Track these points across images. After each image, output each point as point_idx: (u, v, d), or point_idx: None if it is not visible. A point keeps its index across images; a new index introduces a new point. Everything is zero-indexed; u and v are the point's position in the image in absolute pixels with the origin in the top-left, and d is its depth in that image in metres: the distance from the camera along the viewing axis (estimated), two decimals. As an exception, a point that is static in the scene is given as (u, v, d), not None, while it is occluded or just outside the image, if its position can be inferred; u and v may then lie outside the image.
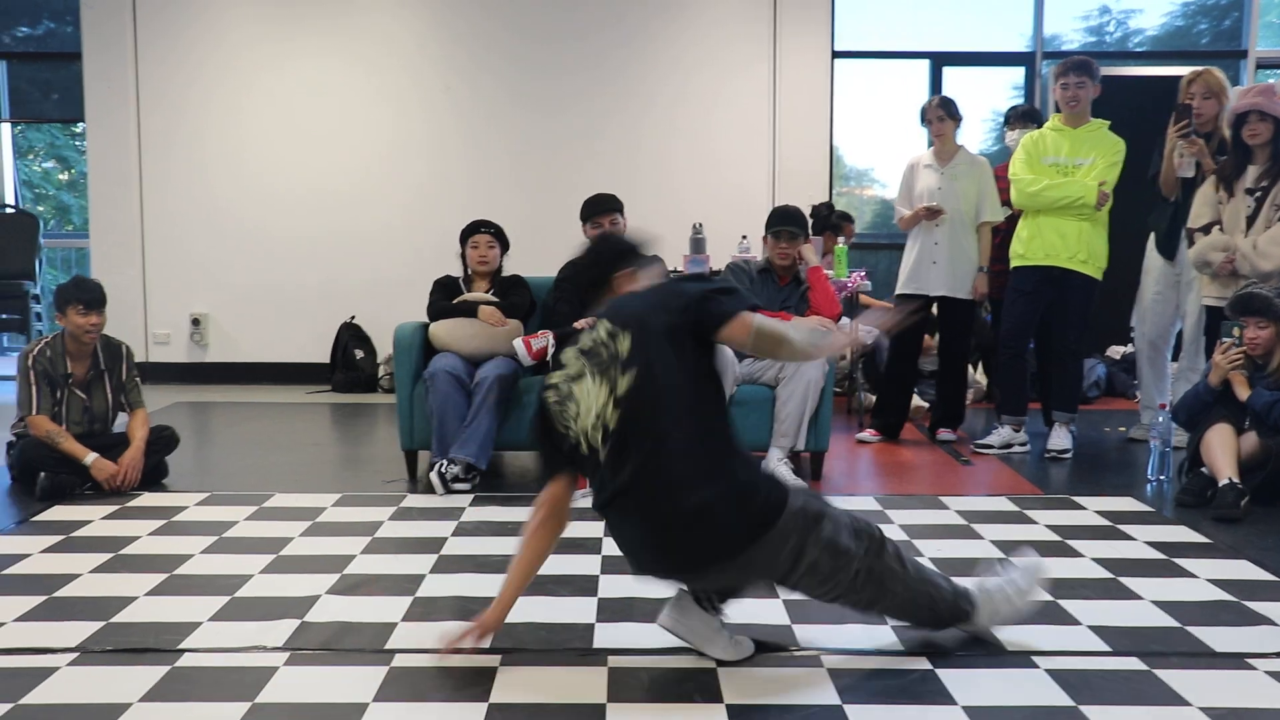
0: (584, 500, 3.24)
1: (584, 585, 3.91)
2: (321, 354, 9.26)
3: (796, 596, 3.74)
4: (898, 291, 6.86)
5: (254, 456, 6.32)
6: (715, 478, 2.95)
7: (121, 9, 9.08)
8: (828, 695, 2.98)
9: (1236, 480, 5.05)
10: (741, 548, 2.95)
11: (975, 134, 9.49)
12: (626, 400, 3.01)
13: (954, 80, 9.51)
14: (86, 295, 5.28)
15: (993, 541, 4.51)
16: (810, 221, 7.01)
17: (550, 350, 5.56)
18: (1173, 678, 3.12)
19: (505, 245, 6.09)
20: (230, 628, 3.47)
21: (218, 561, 4.18)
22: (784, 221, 5.95)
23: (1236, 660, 3.28)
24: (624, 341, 3.07)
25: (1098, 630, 3.51)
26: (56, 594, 3.78)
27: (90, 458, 5.22)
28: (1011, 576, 3.42)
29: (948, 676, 3.12)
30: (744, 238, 7.90)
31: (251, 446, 6.62)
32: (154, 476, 5.48)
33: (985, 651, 3.29)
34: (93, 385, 5.42)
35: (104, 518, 4.82)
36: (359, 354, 9.15)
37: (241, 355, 9.38)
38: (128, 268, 9.21)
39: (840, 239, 8.06)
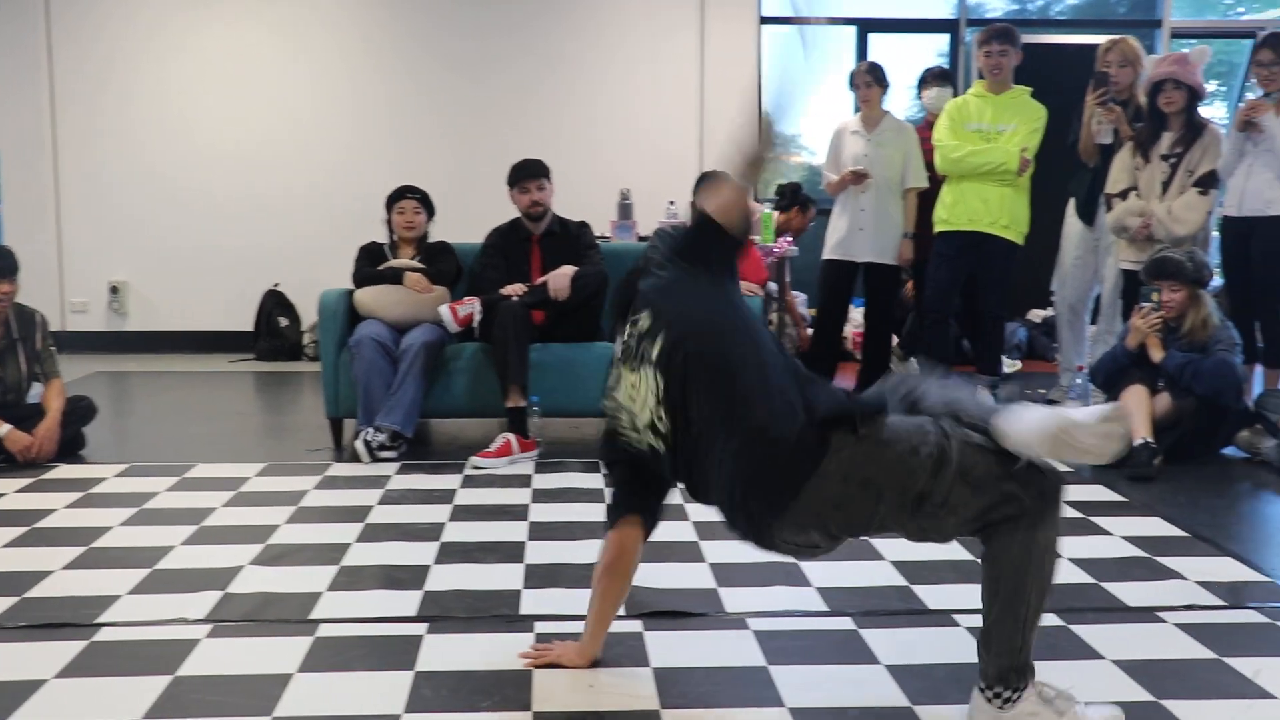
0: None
1: (511, 552, 3.91)
2: (245, 322, 9.14)
3: (724, 559, 3.78)
4: (825, 257, 6.89)
5: (175, 427, 6.25)
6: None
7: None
8: (754, 657, 3.01)
9: (1150, 440, 5.14)
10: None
11: (901, 101, 9.51)
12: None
13: (880, 47, 9.54)
14: None
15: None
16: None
17: (477, 317, 5.54)
18: (1087, 632, 3.19)
19: (431, 211, 6.05)
20: (150, 601, 3.43)
21: (137, 534, 4.13)
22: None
23: (1148, 614, 3.36)
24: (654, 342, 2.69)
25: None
26: (-30, 567, 3.74)
27: (3, 429, 5.13)
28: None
29: (870, 636, 3.16)
30: (671, 203, 7.92)
31: (173, 416, 6.55)
32: (71, 448, 5.40)
33: (908, 611, 3.33)
34: (5, 355, 5.31)
35: (19, 490, 4.74)
36: (283, 321, 9.05)
37: (162, 324, 9.24)
38: (41, 233, 9.01)
39: (807, 216, 8.11)
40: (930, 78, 7.45)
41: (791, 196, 7.98)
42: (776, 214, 7.83)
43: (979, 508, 2.41)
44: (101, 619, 3.27)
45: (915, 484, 2.37)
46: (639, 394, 2.69)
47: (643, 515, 2.86)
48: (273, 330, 9.02)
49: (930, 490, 2.37)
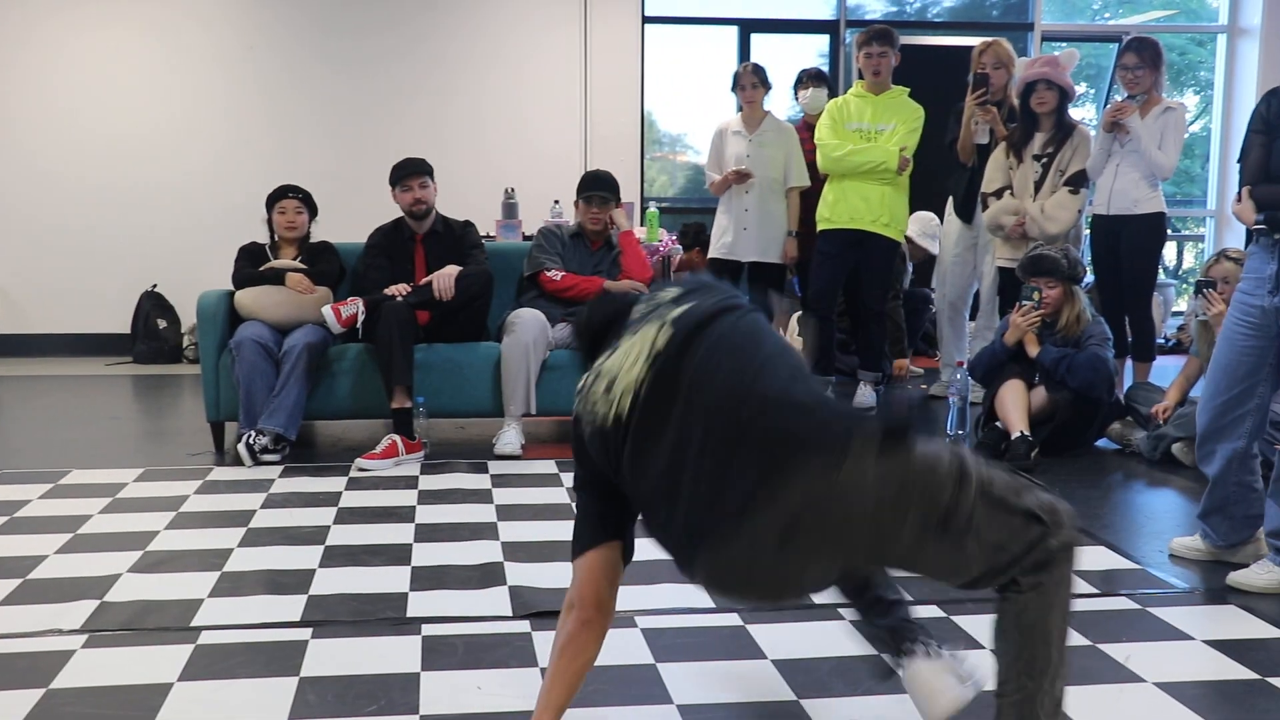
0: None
1: (397, 554, 3.87)
2: (122, 324, 8.97)
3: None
4: (710, 255, 6.92)
5: (48, 432, 6.09)
6: None
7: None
8: (642, 655, 3.01)
9: (1027, 433, 5.23)
10: None
11: (782, 101, 9.58)
12: None
13: (761, 47, 9.62)
14: None
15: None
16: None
17: (360, 317, 5.48)
18: (967, 622, 3.24)
19: (313, 211, 5.97)
20: (23, 611, 3.34)
21: (9, 543, 4.01)
22: (595, 186, 5.95)
23: (1029, 605, 3.41)
24: None
25: (902, 580, 3.60)
26: None
27: None
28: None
29: (757, 631, 3.18)
30: (556, 202, 7.89)
31: (45, 422, 6.38)
32: (-57, 454, 5.26)
33: (793, 607, 3.35)
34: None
35: (-111, 498, 4.62)
36: (161, 323, 8.90)
37: (34, 326, 9.02)
38: (-89, 236, 8.81)
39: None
40: (807, 79, 7.50)
41: (694, 237, 8.00)
42: (679, 254, 7.84)
43: (1001, 531, 2.12)
44: (-29, 631, 3.19)
45: (942, 497, 2.07)
46: (634, 351, 2.27)
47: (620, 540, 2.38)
48: (151, 332, 8.87)
49: (956, 505, 2.08)
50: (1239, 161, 3.76)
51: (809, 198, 6.75)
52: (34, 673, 2.90)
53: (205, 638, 3.12)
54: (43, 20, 8.82)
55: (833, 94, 7.11)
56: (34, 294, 8.99)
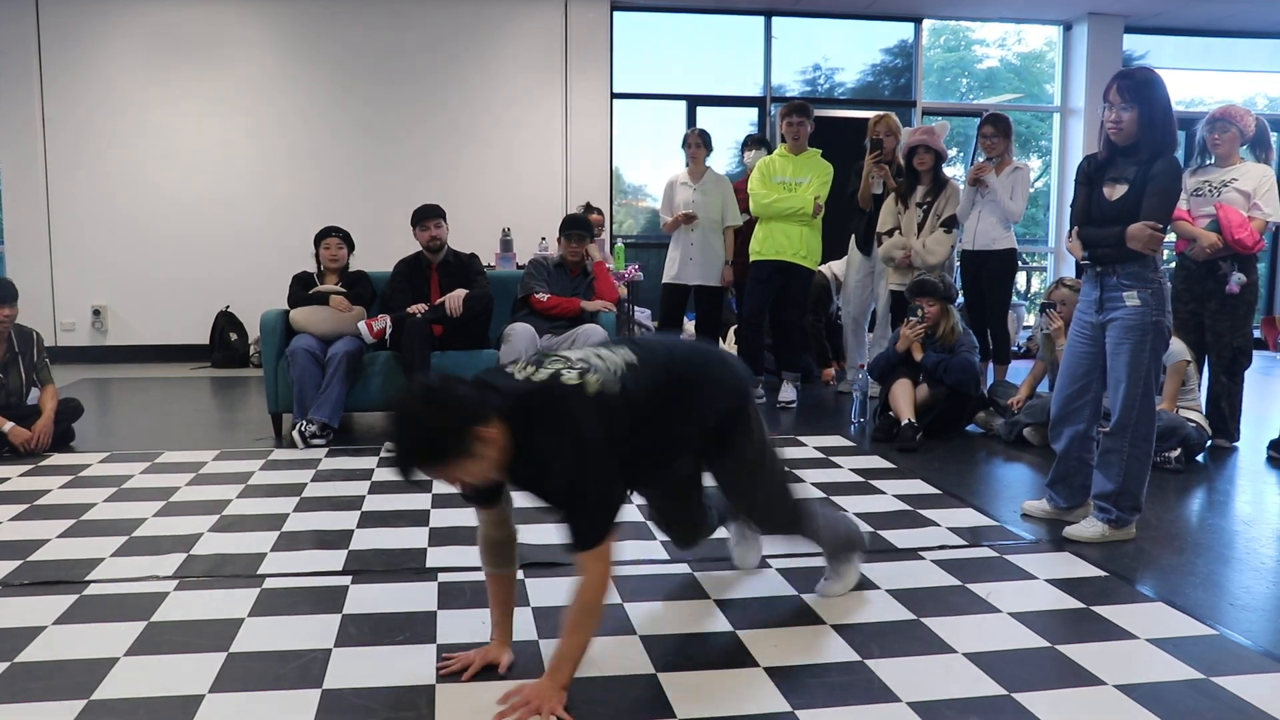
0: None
1: (418, 518, 3.86)
2: (202, 337, 8.90)
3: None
4: (664, 281, 6.92)
5: (147, 421, 6.04)
6: None
7: (28, 53, 8.55)
8: (613, 597, 3.00)
9: (914, 420, 5.27)
10: None
11: (721, 159, 9.61)
12: None
13: (705, 116, 9.63)
14: (0, 292, 4.99)
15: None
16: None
17: (388, 330, 5.48)
18: (868, 569, 3.25)
19: (351, 246, 5.95)
20: (129, 562, 3.33)
21: (117, 508, 4.00)
22: (574, 226, 5.95)
23: (911, 554, 3.45)
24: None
25: (813, 537, 3.63)
26: (-23, 539, 3.59)
27: (7, 426, 4.93)
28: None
29: (704, 578, 3.19)
30: (543, 239, 7.89)
31: (144, 414, 6.33)
32: (63, 440, 5.19)
33: (727, 557, 3.37)
34: (9, 366, 5.10)
35: (21, 475, 4.56)
36: (233, 336, 8.84)
37: (135, 339, 8.95)
38: (37, 267, 8.70)
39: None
40: (751, 142, 7.53)
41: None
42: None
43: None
44: (89, 577, 3.18)
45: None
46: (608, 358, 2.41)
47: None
48: (224, 343, 8.81)
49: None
50: (1071, 207, 3.81)
51: (743, 234, 6.78)
52: (138, 609, 2.90)
53: (268, 583, 3.12)
54: (133, 95, 8.74)
55: (770, 153, 7.14)
56: (134, 313, 8.90)
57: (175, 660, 2.55)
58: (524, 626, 2.76)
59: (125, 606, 2.92)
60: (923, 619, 2.84)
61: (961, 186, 6.32)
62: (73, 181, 8.74)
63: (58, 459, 4.91)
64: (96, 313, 8.86)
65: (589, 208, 7.84)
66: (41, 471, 4.64)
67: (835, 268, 7.61)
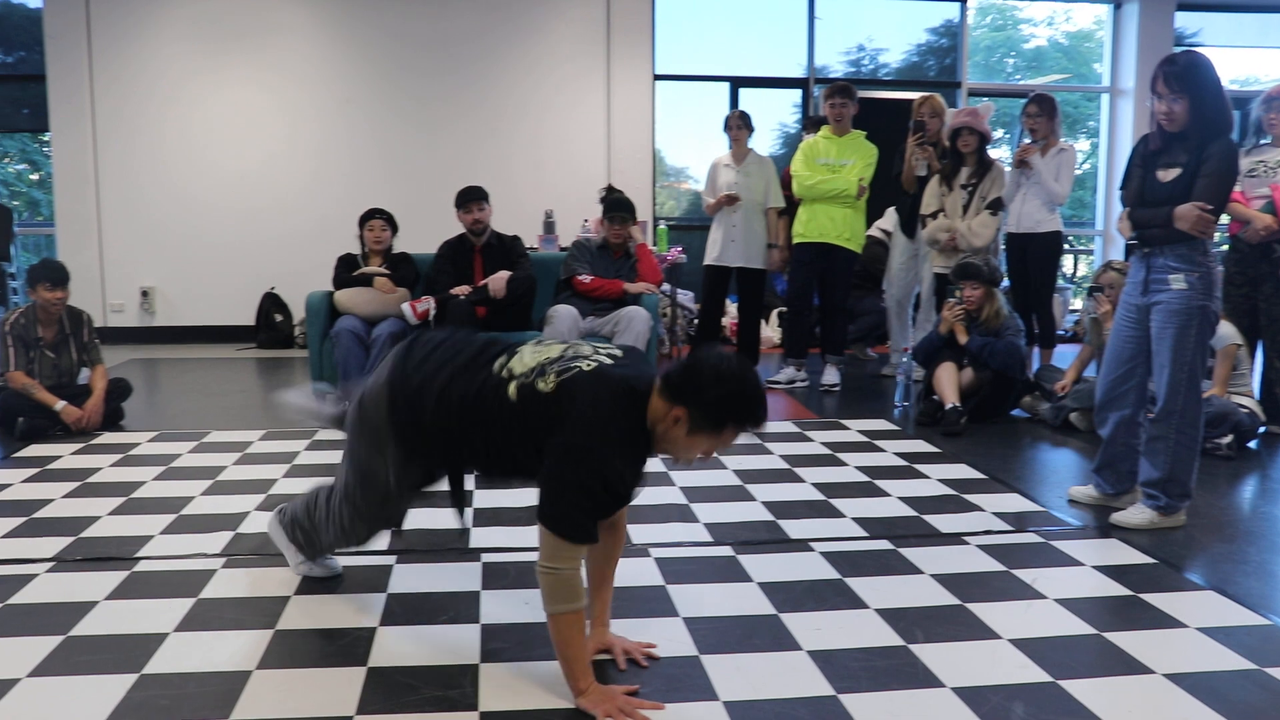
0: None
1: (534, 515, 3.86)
2: (248, 318, 8.98)
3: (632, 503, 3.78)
4: (705, 263, 6.90)
5: (194, 401, 6.11)
6: None
7: (78, 42, 8.63)
8: (655, 578, 3.02)
9: (958, 404, 5.22)
10: None
11: (764, 140, 9.57)
12: None
13: (747, 98, 9.57)
14: (52, 275, 5.08)
15: (781, 455, 4.60)
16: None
17: (432, 312, 5.50)
18: (912, 554, 3.23)
19: (395, 228, 5.98)
20: (178, 539, 3.37)
21: (166, 486, 4.05)
22: (617, 209, 5.94)
23: (956, 538, 3.41)
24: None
25: (859, 520, 3.61)
26: (35, 515, 3.64)
27: (59, 405, 5.01)
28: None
29: (746, 560, 3.18)
30: (586, 221, 7.88)
31: (192, 393, 6.40)
32: (113, 419, 5.27)
33: (774, 540, 3.36)
34: (60, 346, 5.19)
35: (73, 453, 4.63)
36: (278, 317, 8.91)
37: (183, 320, 9.04)
38: (87, 250, 8.82)
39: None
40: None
41: None
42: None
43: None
44: (139, 554, 3.22)
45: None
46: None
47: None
48: (270, 324, 8.88)
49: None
50: (1121, 189, 3.74)
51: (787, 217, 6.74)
52: (187, 585, 2.94)
53: (314, 563, 3.14)
54: (181, 81, 8.80)
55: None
56: (182, 295, 9.00)
57: (223, 636, 2.58)
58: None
59: (174, 583, 2.96)
60: (967, 604, 2.81)
61: (1007, 169, 6.25)
62: (121, 166, 8.84)
63: (108, 438, 4.97)
64: (145, 294, 8.96)
65: (611, 190, 7.85)
66: (92, 450, 4.70)
67: (884, 224, 7.51)
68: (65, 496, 3.89)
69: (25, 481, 4.12)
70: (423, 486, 2.67)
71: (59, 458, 4.54)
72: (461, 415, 2.36)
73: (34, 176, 11.23)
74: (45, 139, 9.73)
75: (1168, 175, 3.51)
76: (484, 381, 2.34)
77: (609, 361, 2.31)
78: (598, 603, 2.52)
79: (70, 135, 8.76)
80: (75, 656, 2.45)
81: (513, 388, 2.29)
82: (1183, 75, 3.39)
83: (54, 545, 3.29)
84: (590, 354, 2.33)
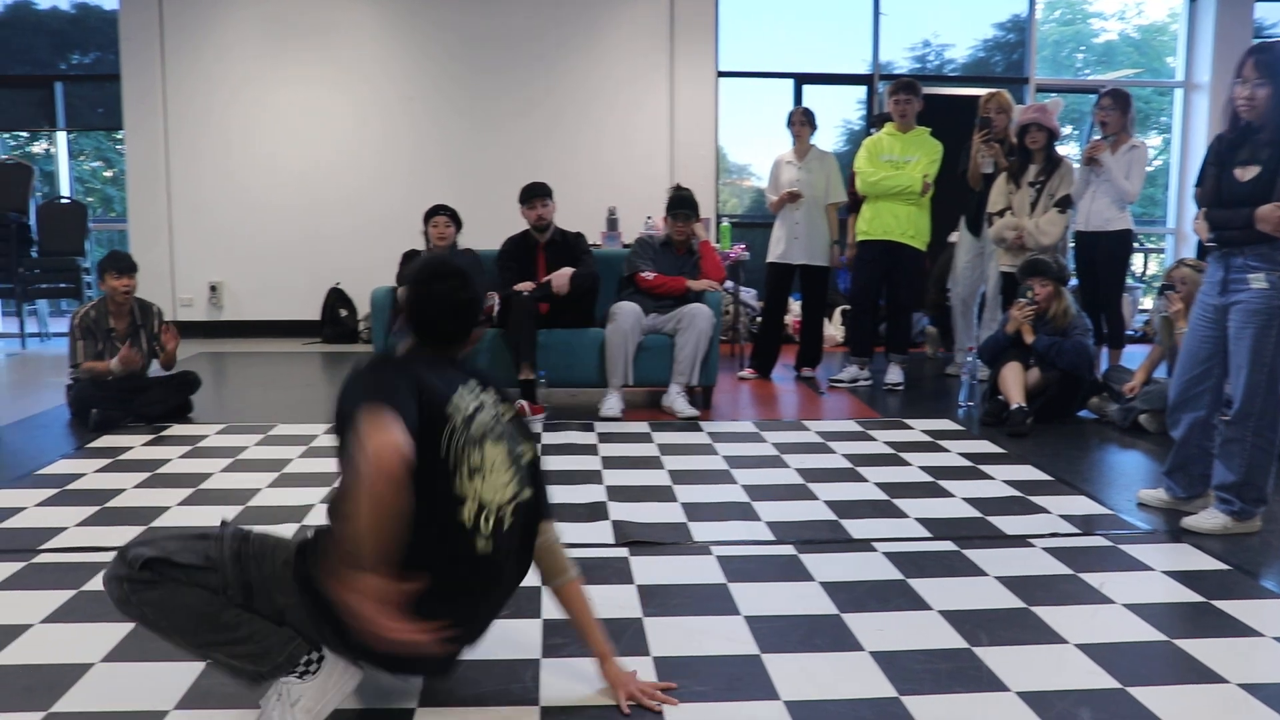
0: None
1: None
2: (314, 313, 9.10)
3: (692, 499, 3.77)
4: (768, 260, 6.86)
5: (261, 395, 6.21)
6: None
7: (151, 41, 8.82)
8: (717, 576, 3.00)
9: (1024, 405, 5.14)
10: None
11: (827, 136, 9.50)
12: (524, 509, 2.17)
13: (811, 94, 9.50)
14: (119, 264, 5.22)
15: (844, 455, 4.57)
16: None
17: (495, 309, 5.52)
18: (976, 556, 3.19)
19: (459, 224, 6.01)
20: (245, 531, 3.42)
21: (233, 478, 4.12)
22: (681, 205, 5.92)
23: (1022, 541, 3.36)
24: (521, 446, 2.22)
25: (922, 521, 3.57)
26: (107, 505, 3.72)
27: (112, 362, 5.17)
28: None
29: (808, 560, 3.15)
30: (649, 218, 7.88)
31: (259, 387, 6.51)
32: (181, 412, 5.37)
33: (837, 540, 3.33)
34: (131, 337, 5.30)
35: (143, 444, 4.72)
36: (343, 313, 9.03)
37: (250, 315, 9.20)
38: (158, 245, 9.01)
39: None
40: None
41: None
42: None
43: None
44: (205, 546, 3.26)
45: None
46: (498, 468, 2.10)
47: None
48: (335, 319, 9.00)
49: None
50: (1196, 187, 3.66)
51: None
52: (250, 580, 2.96)
53: (379, 556, 3.16)
54: (249, 79, 8.94)
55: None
56: (248, 290, 9.16)
57: (291, 628, 2.61)
58: (629, 603, 2.76)
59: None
60: (1032, 607, 2.77)
61: (1076, 165, 6.14)
62: (192, 163, 9.01)
63: (177, 429, 5.07)
64: (213, 289, 9.12)
65: (678, 188, 7.86)
66: (162, 442, 4.79)
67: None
68: (136, 487, 3.98)
69: (98, 471, 4.22)
70: None
71: (130, 449, 4.63)
72: None
73: (108, 174, 11.49)
74: (119, 137, 9.94)
75: (1246, 174, 3.42)
76: None
77: None
78: (591, 643, 2.28)
79: (143, 133, 8.94)
80: (146, 644, 2.49)
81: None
82: (1273, 64, 3.31)
83: (125, 534, 3.35)
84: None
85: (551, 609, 2.71)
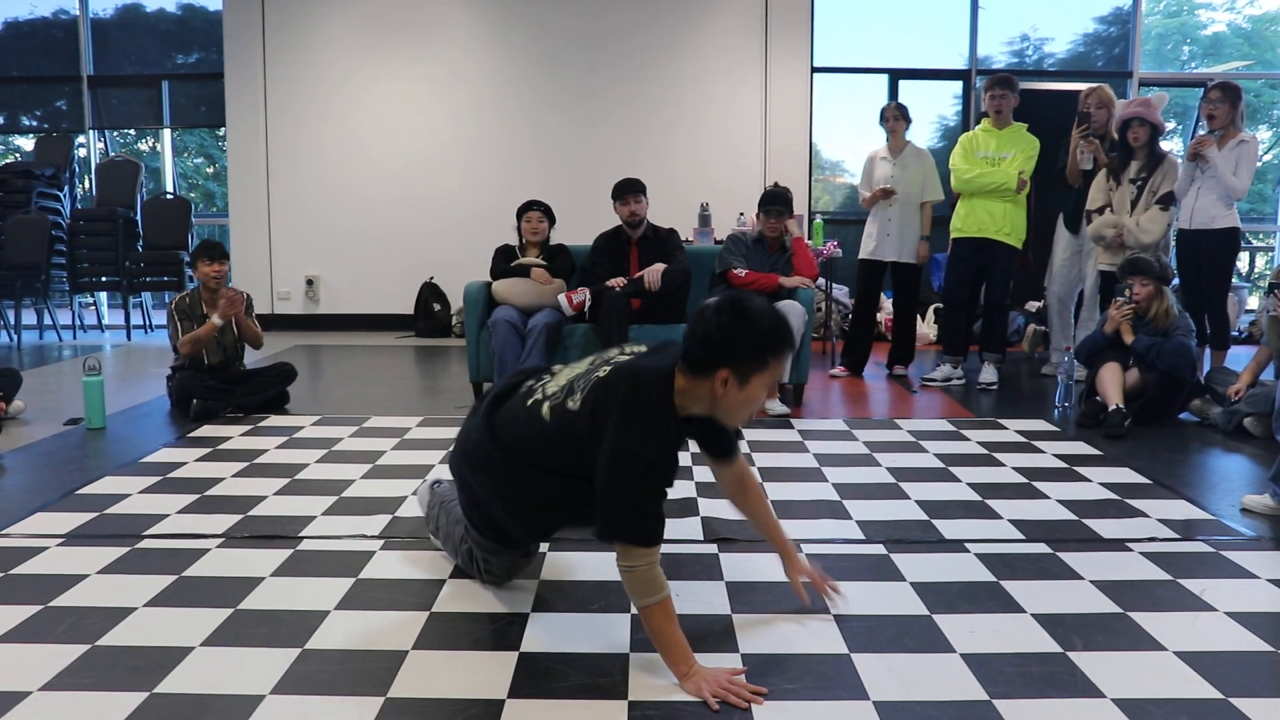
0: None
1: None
2: (407, 307, 9.27)
3: (782, 497, 3.74)
4: (860, 257, 6.80)
5: (355, 387, 6.32)
6: None
7: (253, 40, 9.08)
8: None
9: (1122, 406, 5.02)
10: None
11: (922, 133, 9.36)
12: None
13: (906, 90, 9.38)
14: (210, 250, 5.38)
15: (936, 454, 4.51)
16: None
17: (587, 304, 5.56)
18: (1071, 559, 3.12)
19: (552, 220, 6.06)
20: (339, 521, 3.48)
21: (328, 469, 4.20)
22: (774, 202, 5.89)
23: (1118, 545, 3.28)
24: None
25: (1015, 523, 3.51)
26: (207, 493, 3.82)
27: (214, 316, 5.30)
28: None
29: (899, 559, 3.12)
30: (741, 214, 7.87)
31: (353, 379, 6.63)
32: (277, 403, 5.49)
33: (928, 540, 3.29)
34: (224, 326, 5.40)
35: (242, 435, 4.84)
36: (436, 307, 9.16)
37: (345, 308, 9.39)
38: (257, 240, 9.25)
39: None
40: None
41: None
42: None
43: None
44: (303, 533, 3.34)
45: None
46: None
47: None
48: (428, 313, 9.14)
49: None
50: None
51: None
52: (347, 566, 3.03)
53: (471, 546, 3.21)
54: (347, 77, 9.13)
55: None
56: (344, 283, 9.35)
57: (381, 616, 2.66)
58: (718, 600, 2.76)
59: (335, 563, 3.06)
60: (1129, 613, 2.70)
61: (1180, 162, 5.97)
62: (291, 159, 9.23)
63: (274, 420, 5.19)
64: (309, 283, 9.33)
65: (775, 186, 7.81)
66: (260, 432, 4.91)
67: None
68: (234, 476, 4.08)
69: (198, 460, 4.33)
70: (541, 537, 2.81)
71: (229, 439, 4.75)
72: (508, 447, 2.51)
73: (210, 170, 11.82)
74: (221, 134, 10.22)
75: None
76: (518, 406, 2.52)
77: (629, 357, 2.43)
78: (776, 542, 2.77)
79: (244, 130, 9.19)
80: (243, 629, 2.57)
81: (546, 408, 2.45)
82: None
83: (224, 522, 3.45)
84: (613, 356, 2.48)
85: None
